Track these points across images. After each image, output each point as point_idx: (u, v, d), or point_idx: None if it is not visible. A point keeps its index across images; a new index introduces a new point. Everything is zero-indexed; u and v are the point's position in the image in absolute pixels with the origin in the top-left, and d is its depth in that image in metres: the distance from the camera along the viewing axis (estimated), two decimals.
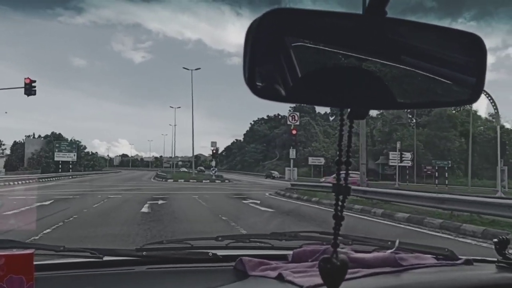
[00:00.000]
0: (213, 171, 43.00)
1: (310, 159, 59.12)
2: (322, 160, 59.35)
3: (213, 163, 42.86)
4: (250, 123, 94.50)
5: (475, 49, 0.73)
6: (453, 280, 1.26)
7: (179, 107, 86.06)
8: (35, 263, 1.04)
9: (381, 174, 52.58)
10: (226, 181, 41.01)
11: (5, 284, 0.97)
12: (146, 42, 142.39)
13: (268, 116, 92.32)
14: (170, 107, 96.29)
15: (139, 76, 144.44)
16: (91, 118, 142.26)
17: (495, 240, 1.42)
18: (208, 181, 40.20)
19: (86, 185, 30.53)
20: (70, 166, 58.21)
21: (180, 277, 1.46)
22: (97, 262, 1.46)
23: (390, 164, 44.16)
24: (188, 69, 53.96)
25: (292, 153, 28.18)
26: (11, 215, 11.25)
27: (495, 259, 1.40)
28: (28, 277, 1.00)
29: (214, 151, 44.63)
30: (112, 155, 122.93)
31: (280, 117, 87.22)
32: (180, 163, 65.85)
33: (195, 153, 60.28)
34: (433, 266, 1.42)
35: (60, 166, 57.16)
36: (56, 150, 59.29)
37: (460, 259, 1.51)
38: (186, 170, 60.59)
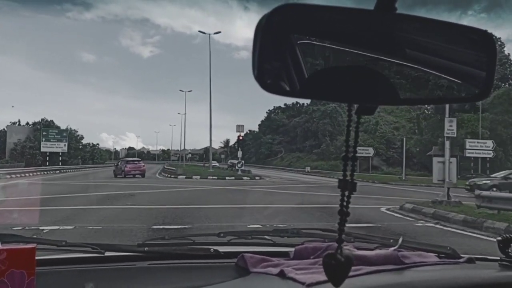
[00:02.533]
0: (239, 165, 32.98)
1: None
2: (371, 151, 45.51)
3: (239, 154, 32.74)
4: (266, 112, 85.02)
5: (485, 45, 0.73)
6: (455, 278, 1.26)
7: (190, 91, 76.69)
8: (36, 258, 1.02)
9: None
10: (257, 177, 31.45)
11: (6, 279, 0.95)
12: (154, 37, 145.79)
13: (285, 104, 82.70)
14: (180, 90, 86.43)
15: (148, 71, 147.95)
16: (100, 112, 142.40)
17: (499, 238, 1.39)
18: (233, 178, 30.19)
19: (53, 186, 19.63)
20: (60, 158, 47.99)
21: (181, 273, 1.46)
22: (99, 257, 1.47)
23: (467, 155, 34.78)
24: (205, 33, 43.09)
25: (451, 124, 13.37)
26: None
27: (498, 258, 1.38)
28: (30, 272, 0.98)
29: (240, 138, 34.21)
30: (118, 148, 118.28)
31: (298, 105, 78.24)
32: (189, 155, 56.43)
33: (204, 146, 50.62)
34: (436, 264, 1.41)
35: (47, 158, 47.09)
36: (43, 139, 48.18)
37: (462, 257, 1.51)
38: (217, 164, 48.86)
